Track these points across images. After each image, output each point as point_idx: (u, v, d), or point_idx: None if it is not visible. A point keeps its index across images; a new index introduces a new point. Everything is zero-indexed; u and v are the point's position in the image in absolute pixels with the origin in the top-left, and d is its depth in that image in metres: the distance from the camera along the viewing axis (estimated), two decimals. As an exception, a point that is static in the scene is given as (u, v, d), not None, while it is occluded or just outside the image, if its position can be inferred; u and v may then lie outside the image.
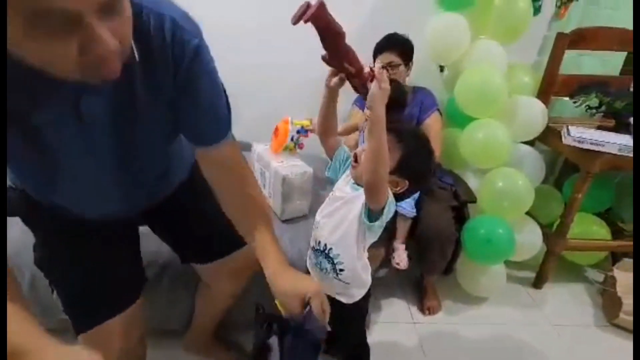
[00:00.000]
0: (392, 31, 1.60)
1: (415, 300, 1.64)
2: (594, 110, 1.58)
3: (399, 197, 0.88)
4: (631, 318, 1.47)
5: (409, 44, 1.52)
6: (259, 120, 2.04)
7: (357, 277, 0.92)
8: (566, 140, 1.44)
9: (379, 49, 1.52)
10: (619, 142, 1.36)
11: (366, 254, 0.94)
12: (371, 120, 0.74)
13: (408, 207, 1.41)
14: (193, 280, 1.19)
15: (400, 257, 1.40)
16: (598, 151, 1.41)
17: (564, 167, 1.98)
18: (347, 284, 0.92)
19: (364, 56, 1.96)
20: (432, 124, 1.53)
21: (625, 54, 1.68)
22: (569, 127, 1.47)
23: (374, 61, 1.54)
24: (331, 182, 1.02)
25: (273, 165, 1.39)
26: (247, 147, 1.99)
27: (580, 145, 1.42)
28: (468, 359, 1.41)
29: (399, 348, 1.42)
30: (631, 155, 1.35)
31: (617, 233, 1.74)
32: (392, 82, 1.38)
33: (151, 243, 1.09)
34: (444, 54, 1.68)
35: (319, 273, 0.95)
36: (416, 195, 1.40)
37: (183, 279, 1.22)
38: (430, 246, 1.40)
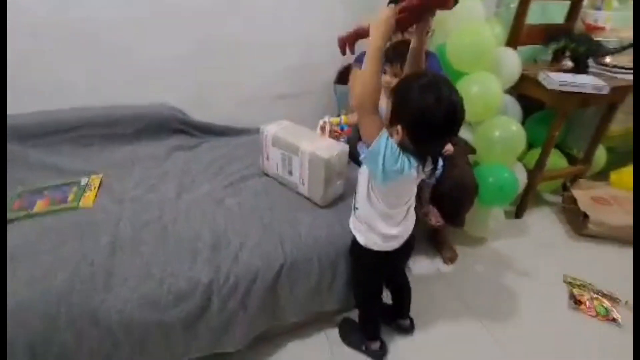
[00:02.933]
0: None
1: (432, 253, 1.75)
2: (554, 55, 1.78)
3: (410, 150, 0.87)
4: (598, 227, 1.82)
5: None
6: (242, 101, 1.81)
7: (368, 216, 1.04)
8: (551, 86, 1.61)
9: None
10: (592, 83, 1.58)
11: (382, 205, 0.99)
12: (368, 46, 0.83)
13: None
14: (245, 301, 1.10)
15: (436, 216, 1.46)
16: (572, 92, 1.61)
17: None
18: (359, 222, 1.08)
19: (349, 13, 1.83)
20: None
21: (569, 3, 1.90)
22: (548, 73, 1.63)
23: None
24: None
25: (307, 149, 1.24)
26: (228, 131, 1.77)
27: (561, 89, 1.59)
28: (498, 292, 1.58)
29: (438, 299, 1.52)
30: (600, 92, 1.58)
31: (570, 161, 2.08)
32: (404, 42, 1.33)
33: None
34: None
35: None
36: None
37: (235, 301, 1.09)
38: (460, 201, 1.47)
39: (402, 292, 1.34)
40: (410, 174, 0.89)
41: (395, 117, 0.87)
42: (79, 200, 1.26)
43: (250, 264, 1.12)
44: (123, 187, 1.36)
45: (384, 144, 0.84)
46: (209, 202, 1.30)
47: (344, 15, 1.77)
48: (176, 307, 1.03)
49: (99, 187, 1.34)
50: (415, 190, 1.05)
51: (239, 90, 1.79)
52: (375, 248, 1.08)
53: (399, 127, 0.85)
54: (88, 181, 1.36)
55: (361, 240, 1.10)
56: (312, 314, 1.29)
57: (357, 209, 1.08)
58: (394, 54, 1.23)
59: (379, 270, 1.19)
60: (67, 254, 1.06)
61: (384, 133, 0.85)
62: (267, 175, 1.46)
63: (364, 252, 1.10)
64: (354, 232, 1.12)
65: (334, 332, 1.36)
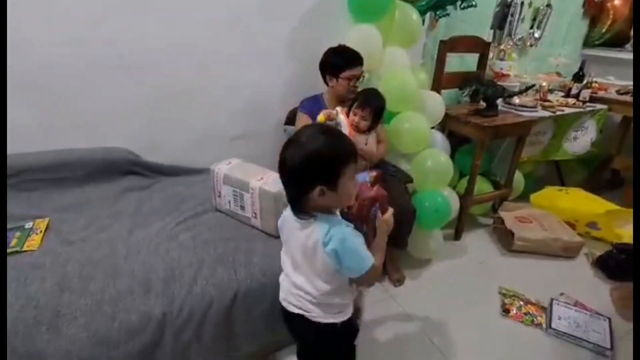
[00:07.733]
0: (318, 43, 1.74)
1: (381, 277, 1.86)
2: (471, 97, 2.10)
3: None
4: (522, 242, 2.06)
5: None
6: (197, 143, 1.89)
7: (341, 298, 0.97)
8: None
9: (346, 65, 1.63)
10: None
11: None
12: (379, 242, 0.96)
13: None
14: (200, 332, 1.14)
15: None
16: (486, 126, 1.90)
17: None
18: (335, 309, 0.98)
19: (296, 63, 1.93)
20: (383, 133, 1.75)
21: (478, 54, 2.27)
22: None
23: (337, 75, 1.64)
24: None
25: (256, 185, 1.34)
26: (182, 171, 1.82)
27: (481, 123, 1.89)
28: (442, 307, 1.70)
29: (388, 319, 1.62)
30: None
31: (495, 186, 2.36)
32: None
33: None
34: (365, 59, 1.91)
35: None
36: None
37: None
38: (400, 225, 1.62)
39: None
40: None
41: (309, 182, 0.82)
42: (23, 245, 1.24)
43: (205, 293, 1.15)
44: (72, 229, 1.35)
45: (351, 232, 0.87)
46: (162, 237, 1.33)
47: (290, 63, 1.97)
48: (127, 342, 1.03)
49: (45, 231, 1.32)
50: None
51: (193, 132, 1.87)
52: (350, 315, 1.01)
53: (317, 187, 0.81)
54: (33, 225, 1.33)
55: (343, 318, 0.99)
56: (267, 344, 1.32)
57: (328, 304, 0.95)
58: (364, 99, 1.54)
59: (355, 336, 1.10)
60: (9, 299, 1.03)
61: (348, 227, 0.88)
62: (220, 211, 1.53)
63: (344, 329, 1.00)
64: (332, 320, 0.97)
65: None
